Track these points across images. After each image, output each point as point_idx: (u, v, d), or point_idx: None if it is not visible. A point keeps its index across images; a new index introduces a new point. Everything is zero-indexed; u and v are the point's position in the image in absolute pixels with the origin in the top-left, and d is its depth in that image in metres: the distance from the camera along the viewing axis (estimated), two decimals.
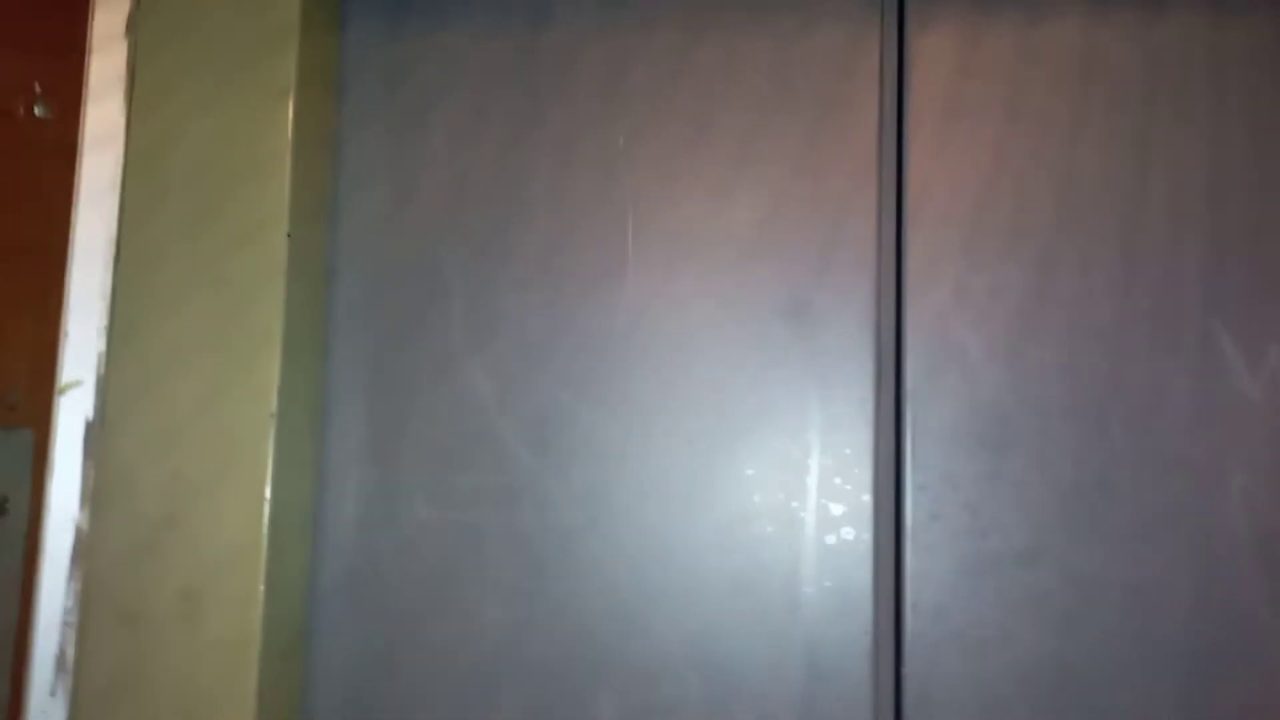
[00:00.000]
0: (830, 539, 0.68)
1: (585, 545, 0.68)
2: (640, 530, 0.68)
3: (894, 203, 0.71)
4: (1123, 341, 0.68)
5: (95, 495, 0.63)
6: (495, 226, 0.71)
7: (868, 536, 0.67)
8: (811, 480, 0.68)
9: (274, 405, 0.64)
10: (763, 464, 0.68)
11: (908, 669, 0.66)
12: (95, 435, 0.64)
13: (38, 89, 0.66)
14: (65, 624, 0.61)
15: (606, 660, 0.67)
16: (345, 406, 0.71)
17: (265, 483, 0.63)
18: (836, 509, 0.68)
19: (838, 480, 0.68)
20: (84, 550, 0.62)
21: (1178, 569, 0.66)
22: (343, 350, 0.72)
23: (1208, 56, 0.71)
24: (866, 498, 0.68)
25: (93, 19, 0.68)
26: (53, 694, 0.61)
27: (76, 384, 0.64)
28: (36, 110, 0.66)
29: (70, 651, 0.61)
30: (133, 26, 0.68)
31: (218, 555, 0.62)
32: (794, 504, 0.68)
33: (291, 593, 0.66)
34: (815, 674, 0.66)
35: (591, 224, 0.71)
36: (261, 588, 0.61)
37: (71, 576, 0.62)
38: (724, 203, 0.71)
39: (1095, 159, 0.70)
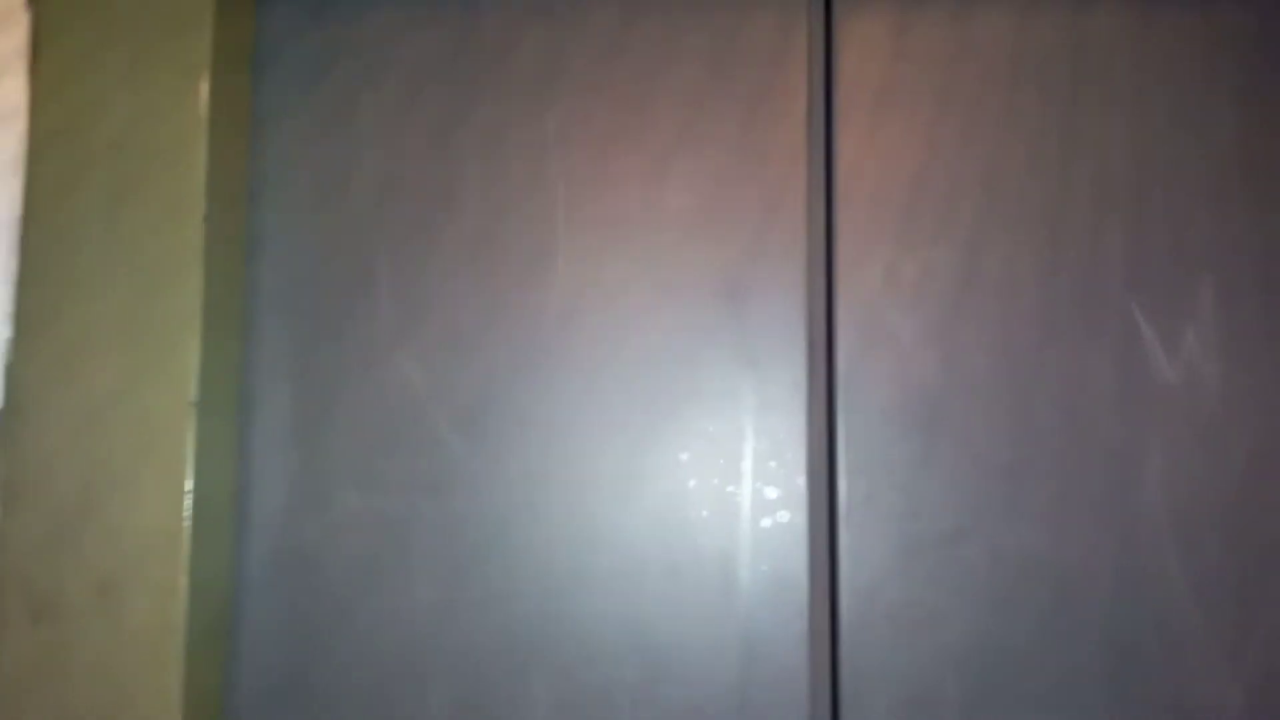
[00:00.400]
0: (766, 522, 0.68)
1: (518, 531, 0.67)
2: (574, 516, 0.67)
3: (824, 188, 0.71)
4: (1049, 325, 0.69)
5: (5, 486, 0.60)
6: (424, 213, 0.70)
7: (802, 519, 0.68)
8: (746, 464, 0.68)
9: (194, 392, 0.62)
10: (697, 448, 0.68)
11: (844, 651, 0.66)
12: (4, 424, 0.61)
13: None
14: None
15: (540, 646, 0.66)
16: (270, 393, 0.69)
17: (186, 470, 0.61)
18: (771, 492, 0.68)
19: (772, 464, 0.68)
20: None
21: (1100, 550, 0.68)
22: (266, 336, 0.70)
23: (1132, 49, 0.72)
24: (800, 480, 0.68)
25: None
26: None
27: None
28: None
29: None
30: None
31: (137, 545, 0.60)
32: (729, 488, 0.68)
33: (215, 581, 0.64)
34: (751, 658, 0.66)
35: (522, 211, 0.70)
36: (184, 577, 0.59)
37: None
38: (657, 189, 0.70)
39: (1022, 146, 0.71)
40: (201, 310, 0.63)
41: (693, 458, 0.68)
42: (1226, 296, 0.70)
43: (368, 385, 0.69)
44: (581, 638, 0.66)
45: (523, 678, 0.66)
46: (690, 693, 0.66)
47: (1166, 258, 0.70)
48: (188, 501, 0.61)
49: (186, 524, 0.60)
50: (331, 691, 0.66)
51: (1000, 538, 0.68)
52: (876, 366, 0.68)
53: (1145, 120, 0.71)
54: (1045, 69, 0.72)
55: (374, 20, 0.72)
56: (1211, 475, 0.68)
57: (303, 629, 0.66)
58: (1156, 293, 0.69)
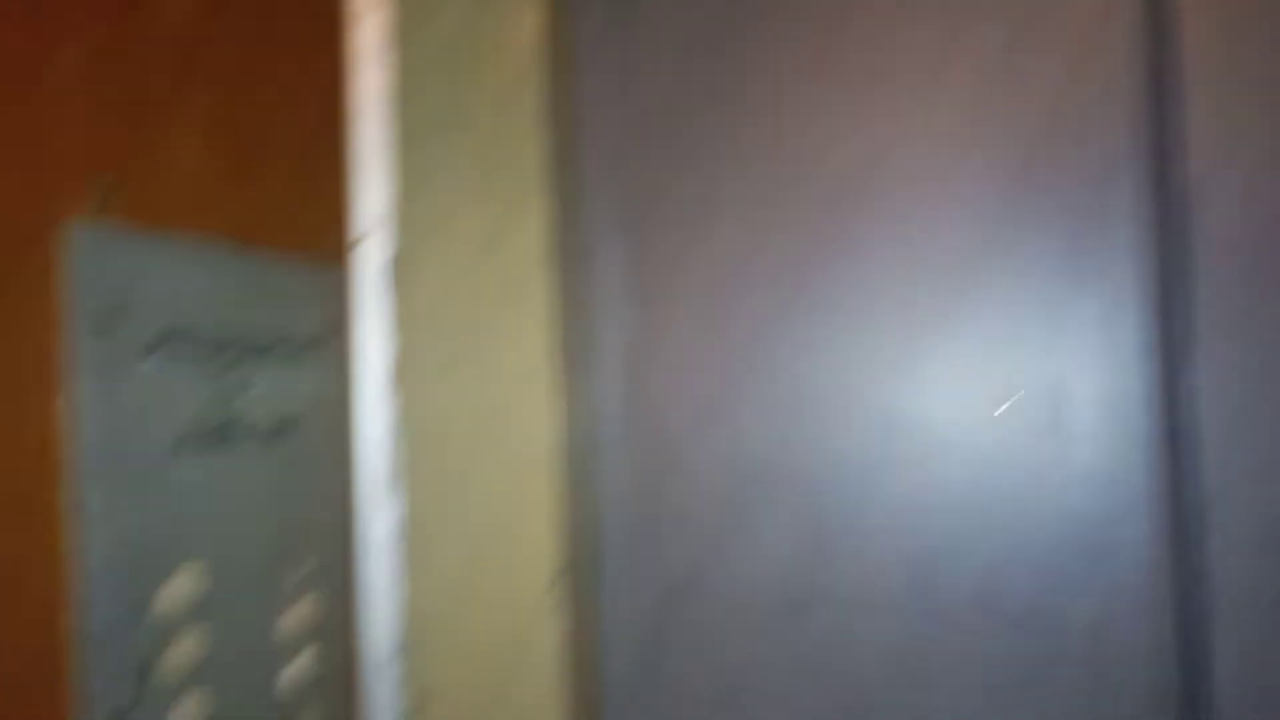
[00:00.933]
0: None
1: (847, 370, 0.71)
2: (899, 365, 0.71)
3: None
4: None
5: (402, 327, 0.72)
6: (738, 71, 0.74)
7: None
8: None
9: (545, 247, 0.71)
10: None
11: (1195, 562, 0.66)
12: (391, 278, 0.73)
13: None
14: (388, 444, 0.71)
15: (875, 480, 0.71)
16: (609, 248, 0.76)
17: (546, 317, 0.70)
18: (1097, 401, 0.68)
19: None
20: (397, 376, 0.71)
21: None
22: (603, 195, 0.76)
23: None
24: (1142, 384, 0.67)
25: None
26: (382, 503, 0.71)
27: (370, 231, 0.73)
28: None
29: (396, 466, 0.71)
30: None
31: (513, 379, 0.70)
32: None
33: (579, 409, 0.74)
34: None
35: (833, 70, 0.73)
36: (552, 410, 0.70)
37: (389, 401, 0.71)
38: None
39: None
40: (542, 175, 0.71)
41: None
42: None
43: (696, 236, 0.75)
44: (920, 480, 0.70)
45: (859, 507, 0.71)
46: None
47: None
48: (549, 344, 0.70)
49: (552, 360, 0.70)
50: (682, 502, 0.74)
51: None
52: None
53: None
54: None
55: None
56: None
57: (653, 457, 0.74)
58: None
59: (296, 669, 0.62)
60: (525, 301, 0.71)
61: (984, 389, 0.69)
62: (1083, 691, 0.66)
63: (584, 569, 0.73)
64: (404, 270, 0.72)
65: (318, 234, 0.68)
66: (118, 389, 0.51)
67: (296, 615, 0.62)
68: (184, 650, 0.53)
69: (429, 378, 0.71)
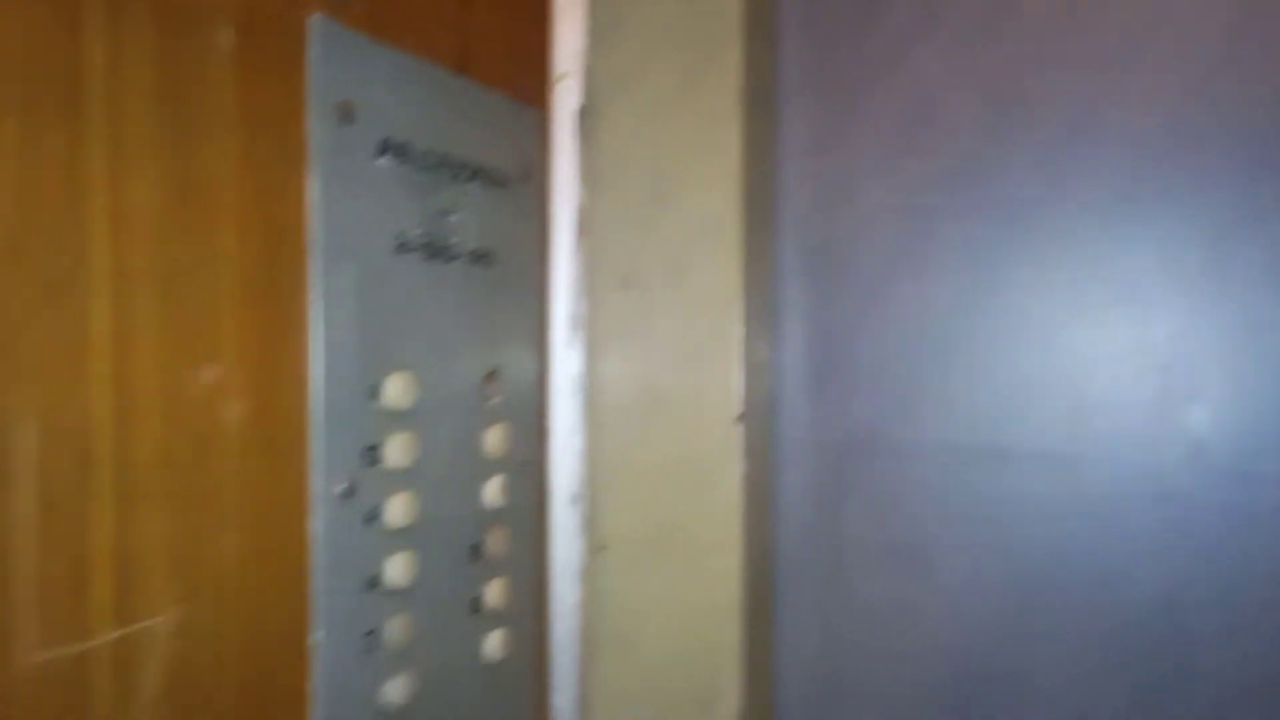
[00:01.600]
0: None
1: (1040, 219, 0.69)
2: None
3: None
4: None
5: (589, 174, 0.73)
6: None
7: None
8: None
9: (739, 93, 0.69)
10: None
11: None
12: (586, 121, 0.74)
13: None
14: (575, 288, 0.72)
15: (1061, 321, 0.69)
16: (798, 100, 0.75)
17: (735, 164, 0.69)
18: None
19: None
20: (585, 223, 0.72)
21: None
22: (793, 45, 0.75)
23: None
24: None
25: None
26: (569, 345, 0.72)
27: (565, 75, 0.74)
28: None
29: (581, 310, 0.72)
30: None
31: (700, 229, 0.70)
32: None
33: (761, 260, 0.73)
34: None
35: None
36: (735, 259, 0.69)
37: (577, 246, 0.73)
38: None
39: None
40: (739, 21, 0.69)
41: None
42: None
43: (887, 84, 0.73)
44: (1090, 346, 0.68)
45: (1043, 365, 0.69)
46: None
47: None
48: (737, 192, 0.70)
49: (738, 208, 0.71)
50: (869, 353, 0.73)
51: None
52: None
53: None
54: None
55: None
56: None
57: (832, 312, 0.74)
58: None
59: (493, 488, 0.64)
60: (714, 153, 0.70)
61: None
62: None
63: (763, 417, 0.73)
64: (596, 115, 0.72)
65: (522, 69, 0.70)
66: (351, 184, 0.53)
67: (494, 437, 0.64)
68: (402, 443, 0.56)
69: (616, 224, 0.72)
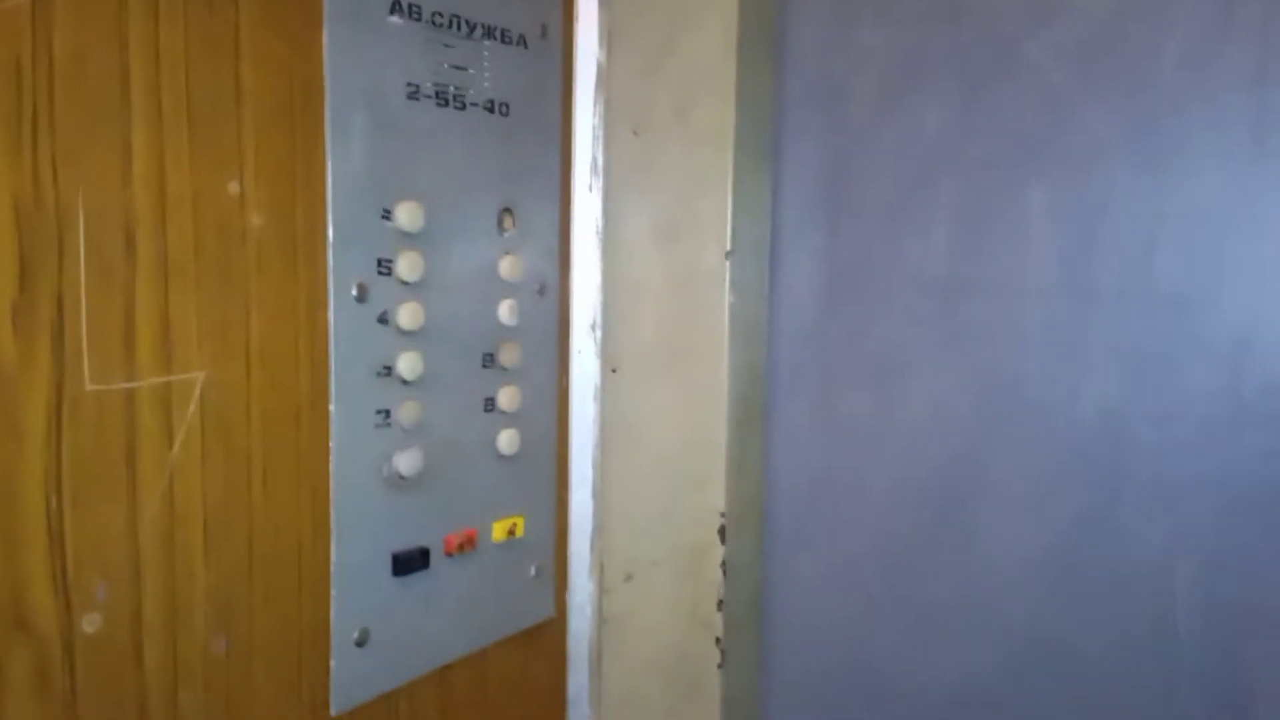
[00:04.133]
0: None
1: (1021, 53, 0.72)
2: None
3: None
4: None
5: (607, 29, 0.81)
6: None
7: None
8: None
9: None
10: None
11: None
12: None
13: None
14: (594, 136, 0.81)
15: (1039, 152, 0.72)
16: None
17: (735, 8, 0.75)
18: None
19: None
20: (603, 77, 0.81)
21: None
22: None
23: None
24: None
25: None
26: (590, 189, 0.81)
27: None
28: None
29: (600, 156, 0.81)
30: None
31: (701, 71, 0.77)
32: None
33: (759, 101, 0.80)
34: None
35: None
36: (731, 96, 0.76)
37: (596, 99, 0.81)
38: None
39: None
40: None
41: None
42: None
43: None
44: (1079, 145, 0.70)
45: (1021, 181, 0.73)
46: None
47: None
48: (734, 37, 0.75)
49: (732, 57, 0.76)
50: (864, 188, 0.79)
51: None
52: None
53: None
54: None
55: None
56: None
57: (832, 142, 0.80)
58: None
59: (506, 308, 0.75)
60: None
61: None
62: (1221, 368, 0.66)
63: (757, 251, 0.80)
64: None
65: None
66: (363, 39, 0.64)
67: (508, 265, 0.75)
68: (411, 260, 0.67)
69: (630, 77, 0.79)
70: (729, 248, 0.76)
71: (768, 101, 0.80)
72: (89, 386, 0.52)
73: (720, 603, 0.79)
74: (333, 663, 0.65)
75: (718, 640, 0.79)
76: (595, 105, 0.81)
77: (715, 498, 0.79)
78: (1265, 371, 0.65)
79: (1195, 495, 0.67)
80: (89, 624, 0.53)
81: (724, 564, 0.79)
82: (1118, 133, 0.68)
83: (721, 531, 0.79)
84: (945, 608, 0.77)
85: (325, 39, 0.62)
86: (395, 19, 0.66)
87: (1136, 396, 0.69)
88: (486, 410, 0.75)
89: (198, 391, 0.57)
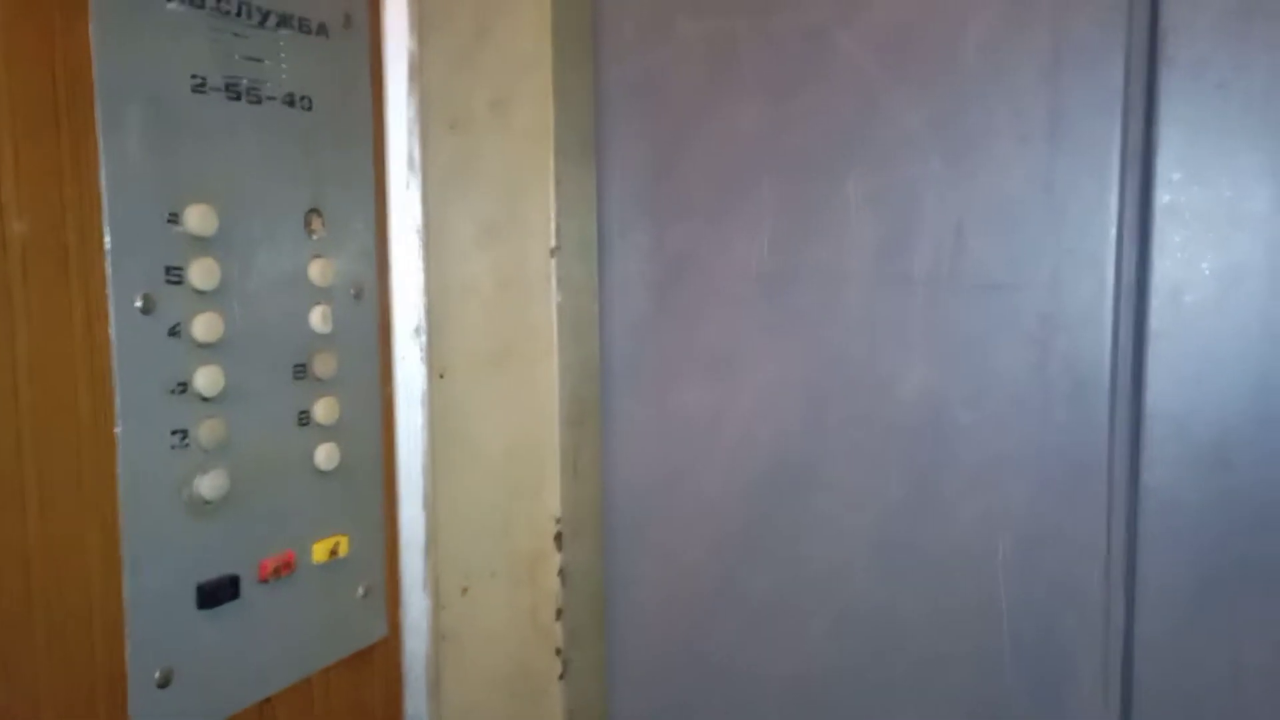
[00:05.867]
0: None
1: (833, 43, 0.73)
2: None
3: None
4: None
5: (419, 21, 0.77)
6: None
7: None
8: None
9: None
10: None
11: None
12: None
13: None
14: (409, 132, 0.77)
15: (853, 143, 0.73)
16: None
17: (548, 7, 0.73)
18: None
19: None
20: (415, 69, 0.77)
21: None
22: None
23: None
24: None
25: None
26: (407, 187, 0.77)
27: None
28: None
29: (416, 153, 0.77)
30: None
31: (517, 64, 0.74)
32: None
33: (578, 96, 0.77)
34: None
35: None
36: (550, 97, 0.74)
37: (410, 93, 0.77)
38: None
39: None
40: None
41: None
42: None
43: None
44: (890, 137, 0.71)
45: (839, 174, 0.73)
46: None
47: None
48: (549, 28, 0.73)
49: (548, 50, 0.73)
50: (688, 182, 0.78)
51: None
52: None
53: None
54: None
55: None
56: None
57: (650, 140, 0.79)
58: None
59: (318, 316, 0.70)
60: None
61: None
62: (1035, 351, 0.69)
63: (584, 248, 0.78)
64: None
65: None
66: (137, 28, 0.59)
67: (318, 269, 0.70)
68: (205, 267, 0.62)
69: (444, 69, 0.76)
70: (554, 245, 0.74)
71: (587, 94, 0.78)
72: None
73: (559, 611, 0.77)
74: (131, 708, 0.60)
75: (558, 651, 0.77)
76: (409, 98, 0.77)
77: (550, 503, 0.77)
78: (1068, 350, 0.67)
79: (1011, 473, 0.69)
80: None
81: (561, 571, 0.77)
82: (924, 122, 0.69)
83: (558, 538, 0.77)
84: (782, 594, 0.77)
85: (92, 29, 0.57)
86: (174, 6, 0.61)
87: (953, 379, 0.70)
88: (301, 424, 0.71)
89: None
